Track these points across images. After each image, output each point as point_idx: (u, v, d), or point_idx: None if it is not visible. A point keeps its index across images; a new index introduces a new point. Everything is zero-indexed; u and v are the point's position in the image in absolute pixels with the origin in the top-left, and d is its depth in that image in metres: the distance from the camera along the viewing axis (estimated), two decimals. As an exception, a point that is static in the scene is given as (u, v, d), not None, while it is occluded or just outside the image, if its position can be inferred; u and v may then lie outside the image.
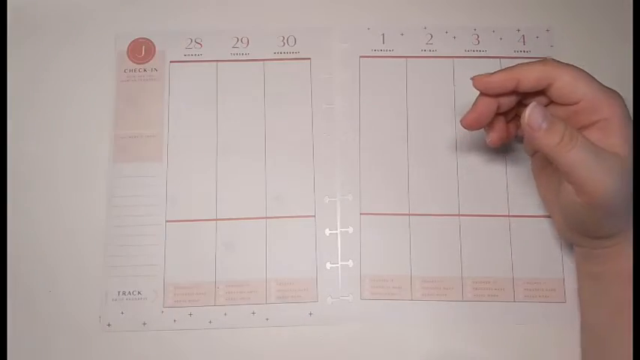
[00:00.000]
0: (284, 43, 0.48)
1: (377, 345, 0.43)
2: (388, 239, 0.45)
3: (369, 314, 0.44)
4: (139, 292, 0.44)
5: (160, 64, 0.47)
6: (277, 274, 0.44)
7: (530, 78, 0.37)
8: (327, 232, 0.45)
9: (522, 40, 0.48)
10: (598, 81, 0.37)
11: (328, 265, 0.44)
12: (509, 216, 0.45)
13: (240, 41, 0.48)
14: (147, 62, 0.47)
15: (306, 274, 0.44)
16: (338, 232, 0.45)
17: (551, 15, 0.48)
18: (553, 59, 0.38)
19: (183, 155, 0.46)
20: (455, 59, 0.47)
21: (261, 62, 0.47)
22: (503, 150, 0.46)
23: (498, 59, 0.47)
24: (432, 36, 0.48)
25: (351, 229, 0.45)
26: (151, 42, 0.48)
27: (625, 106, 0.36)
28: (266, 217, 0.45)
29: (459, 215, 0.45)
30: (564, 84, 0.37)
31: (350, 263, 0.45)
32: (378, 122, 0.47)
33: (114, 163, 0.46)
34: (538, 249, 0.44)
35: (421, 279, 0.44)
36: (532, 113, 0.36)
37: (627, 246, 0.37)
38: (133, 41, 0.48)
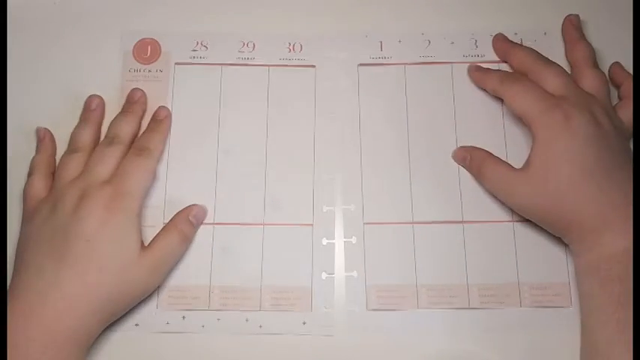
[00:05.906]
0: (290, 50, 0.48)
1: (383, 355, 0.42)
2: (392, 248, 0.44)
3: (373, 325, 0.43)
4: (132, 293, 0.43)
5: (165, 65, 0.48)
6: (272, 282, 0.43)
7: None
8: (325, 241, 0.44)
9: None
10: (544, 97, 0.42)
11: (324, 275, 0.43)
12: (512, 221, 0.44)
13: (246, 45, 0.48)
14: (152, 63, 0.48)
15: (301, 283, 0.43)
16: (335, 241, 0.44)
17: (548, 18, 0.49)
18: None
19: (184, 157, 0.46)
20: (453, 64, 0.48)
21: (266, 67, 0.48)
22: (504, 154, 0.45)
23: (497, 64, 0.48)
24: (429, 42, 0.49)
25: (354, 239, 0.44)
26: (157, 42, 0.48)
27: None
28: (263, 224, 0.44)
29: (462, 222, 0.44)
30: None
31: (355, 274, 0.43)
32: (379, 130, 0.47)
33: (115, 163, 0.45)
34: (543, 253, 0.44)
35: (427, 287, 0.43)
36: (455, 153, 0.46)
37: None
38: (139, 41, 0.48)
